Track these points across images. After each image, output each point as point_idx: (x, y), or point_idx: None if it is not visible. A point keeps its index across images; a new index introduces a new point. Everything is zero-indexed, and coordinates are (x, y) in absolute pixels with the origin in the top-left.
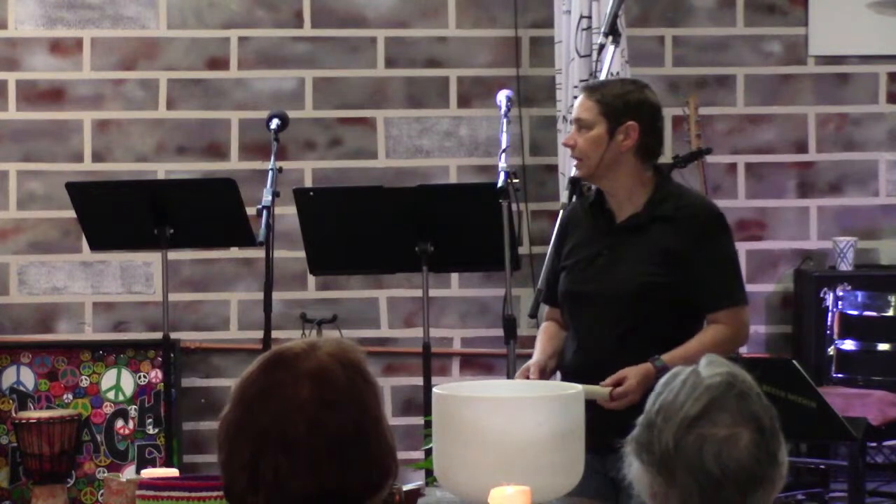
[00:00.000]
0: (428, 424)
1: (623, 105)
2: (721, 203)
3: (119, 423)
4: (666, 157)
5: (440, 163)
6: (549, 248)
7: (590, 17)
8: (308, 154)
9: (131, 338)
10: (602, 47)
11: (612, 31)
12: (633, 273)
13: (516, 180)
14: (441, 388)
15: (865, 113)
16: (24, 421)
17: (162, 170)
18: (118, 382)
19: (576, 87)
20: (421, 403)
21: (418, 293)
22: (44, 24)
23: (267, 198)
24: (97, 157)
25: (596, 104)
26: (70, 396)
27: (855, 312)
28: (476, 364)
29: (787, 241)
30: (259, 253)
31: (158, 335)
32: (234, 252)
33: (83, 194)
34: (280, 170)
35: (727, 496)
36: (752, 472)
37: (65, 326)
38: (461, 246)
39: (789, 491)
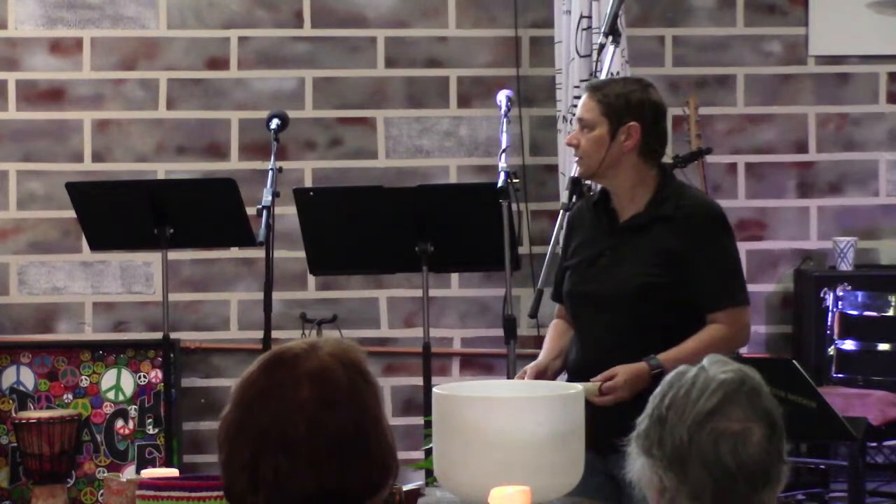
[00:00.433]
0: (428, 424)
1: (625, 105)
2: (721, 203)
3: (119, 423)
4: (666, 157)
5: (440, 163)
6: (550, 246)
7: (590, 17)
8: (308, 154)
9: (131, 338)
10: (602, 47)
11: (612, 31)
12: (634, 273)
13: (516, 180)
14: (441, 388)
15: (865, 113)
16: (24, 421)
17: (162, 170)
18: (118, 382)
19: (576, 87)
20: (421, 403)
21: (418, 293)
22: (44, 24)
23: (267, 198)
24: (97, 157)
25: (598, 104)
26: (70, 396)
27: (855, 312)
28: (476, 364)
29: (787, 241)
30: (259, 253)
31: (158, 335)
32: (234, 252)
33: (83, 194)
34: (280, 170)
35: (739, 491)
36: (763, 468)
37: (65, 326)
38: (461, 246)
39: (789, 491)
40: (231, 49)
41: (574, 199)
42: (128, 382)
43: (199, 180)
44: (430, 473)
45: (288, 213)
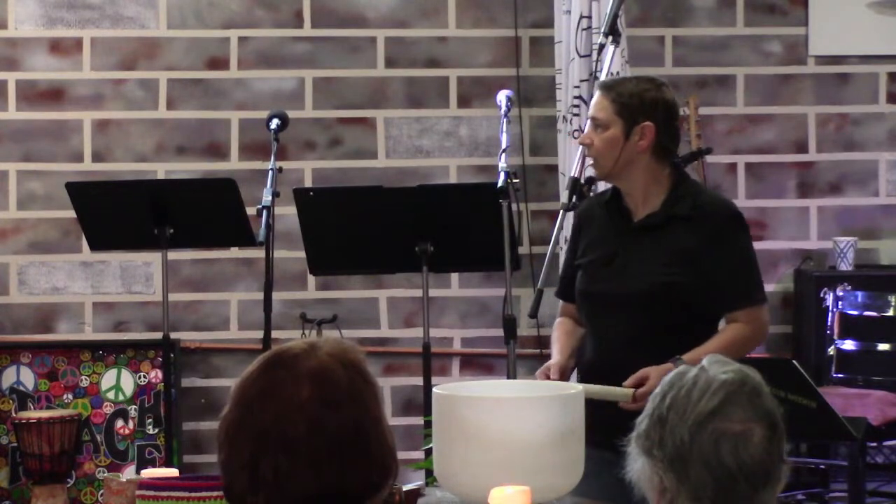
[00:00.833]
0: (428, 424)
1: (639, 104)
2: None
3: (119, 423)
4: None
5: (440, 163)
6: (550, 246)
7: (590, 17)
8: (308, 154)
9: (131, 338)
10: (602, 47)
11: (612, 31)
12: (650, 273)
13: (516, 180)
14: (441, 388)
15: (865, 113)
16: (24, 421)
17: (162, 170)
18: (118, 382)
19: (576, 87)
20: (421, 403)
21: (418, 293)
22: (44, 24)
23: (267, 198)
24: (97, 157)
25: (611, 103)
26: (70, 396)
27: (855, 312)
28: (476, 364)
29: (787, 241)
30: (259, 253)
31: (158, 335)
32: (234, 252)
33: (83, 194)
34: (280, 170)
35: (740, 491)
36: (764, 468)
37: (65, 326)
38: (461, 246)
39: (789, 491)
40: (231, 49)
41: (574, 199)
42: (128, 382)
43: (199, 180)
44: (430, 473)
45: (288, 213)
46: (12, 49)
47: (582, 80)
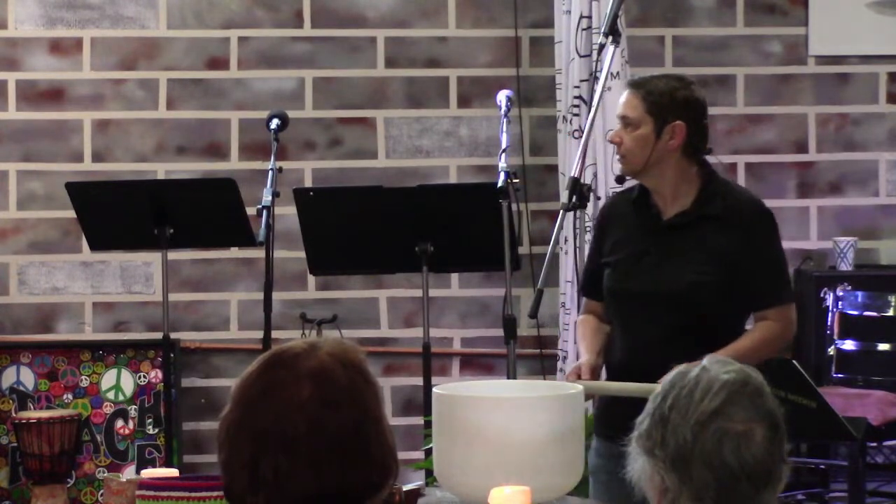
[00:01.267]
0: (428, 424)
1: (669, 103)
2: None
3: (119, 423)
4: None
5: (440, 163)
6: (550, 246)
7: (590, 17)
8: (308, 154)
9: (131, 338)
10: (602, 47)
11: (612, 31)
12: (683, 272)
13: (516, 180)
14: (441, 388)
15: (865, 113)
16: (24, 421)
17: (162, 170)
18: (118, 382)
19: (576, 87)
20: (421, 403)
21: (418, 293)
22: (44, 24)
23: (267, 198)
24: (97, 157)
25: (642, 102)
26: (70, 396)
27: (855, 312)
28: (476, 364)
29: (787, 241)
30: (259, 253)
31: (158, 335)
32: (234, 252)
33: (83, 194)
34: (280, 170)
35: (742, 490)
36: (766, 468)
37: (65, 326)
38: (461, 246)
39: (789, 491)
40: (231, 49)
41: (574, 199)
42: (128, 382)
43: (199, 180)
44: (430, 473)
45: (288, 213)
46: (12, 49)
47: (582, 80)
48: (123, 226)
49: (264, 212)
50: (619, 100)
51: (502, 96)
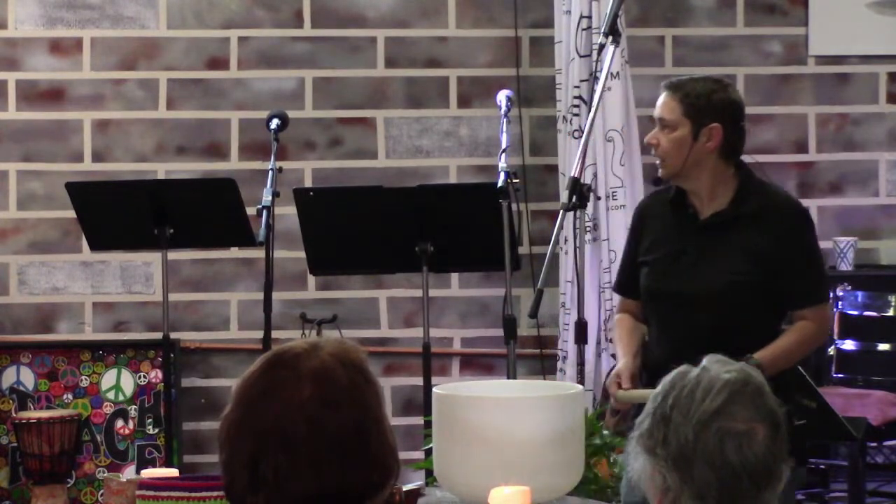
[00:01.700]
0: (428, 424)
1: (706, 105)
2: None
3: (119, 423)
4: None
5: (440, 163)
6: (550, 246)
7: (590, 17)
8: (308, 154)
9: (131, 338)
10: (602, 47)
11: (612, 31)
12: (723, 272)
13: (516, 180)
14: (441, 388)
15: (865, 113)
16: (24, 421)
17: (162, 170)
18: (118, 382)
19: (576, 87)
20: (421, 403)
21: (418, 293)
22: (44, 24)
23: (267, 198)
24: (97, 157)
25: (679, 104)
26: (70, 396)
27: (855, 312)
28: (476, 364)
29: None
30: (259, 253)
31: (158, 335)
32: (234, 252)
33: (83, 194)
34: (280, 170)
35: (744, 489)
36: (767, 467)
37: (65, 326)
38: (461, 246)
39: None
40: (231, 49)
41: (574, 199)
42: (128, 382)
43: (199, 180)
44: (430, 473)
45: (288, 213)
46: (12, 49)
47: (582, 80)
48: (123, 226)
49: (264, 212)
50: (657, 101)
51: (502, 96)
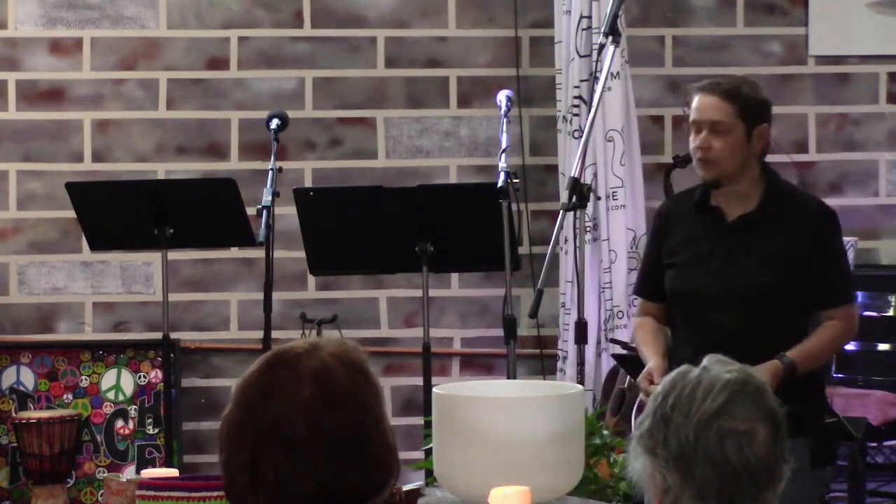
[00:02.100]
0: (428, 424)
1: (755, 106)
2: None
3: (119, 423)
4: (666, 157)
5: (440, 163)
6: (550, 246)
7: (590, 17)
8: (308, 154)
9: (131, 338)
10: (602, 47)
11: (612, 31)
12: (753, 273)
13: (516, 180)
14: (441, 388)
15: (865, 113)
16: (24, 421)
17: (162, 170)
18: (118, 382)
19: (576, 87)
20: (421, 403)
21: (418, 293)
22: (44, 24)
23: (267, 198)
24: (97, 157)
25: (732, 105)
26: (70, 396)
27: None
28: (476, 364)
29: None
30: (259, 253)
31: (158, 335)
32: (234, 252)
33: (83, 194)
34: (280, 170)
35: (745, 489)
36: (767, 466)
37: (65, 326)
38: (461, 246)
39: None
40: (231, 49)
41: (574, 199)
42: (128, 382)
43: (199, 180)
44: (430, 473)
45: (288, 213)
46: (12, 49)
47: (582, 80)
48: (123, 226)
49: (264, 212)
50: (693, 103)
51: (502, 96)
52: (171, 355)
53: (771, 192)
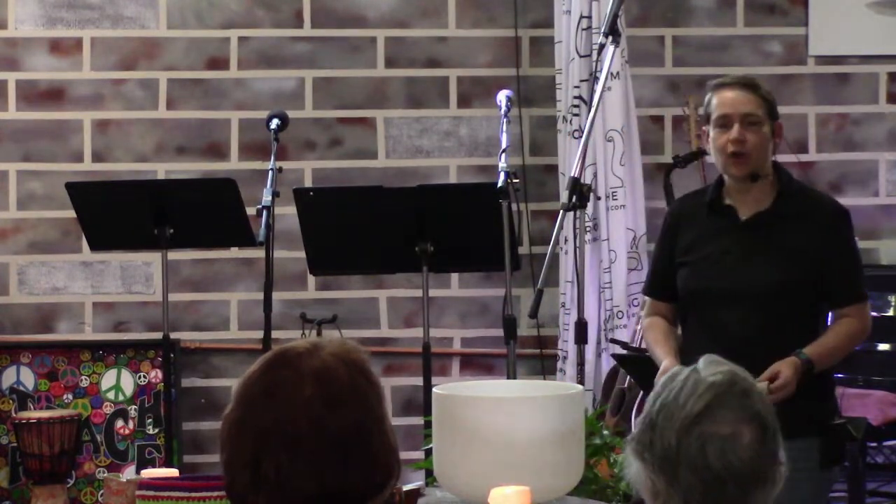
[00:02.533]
0: (428, 424)
1: (772, 102)
2: None
3: (119, 423)
4: (666, 157)
5: (440, 163)
6: (550, 246)
7: (590, 17)
8: (308, 154)
9: (131, 338)
10: (602, 47)
11: (612, 31)
12: (767, 271)
13: (516, 180)
14: (441, 388)
15: (865, 113)
16: (24, 421)
17: (162, 170)
18: (118, 382)
19: (576, 87)
20: (421, 403)
21: (418, 293)
22: (44, 24)
23: (267, 198)
24: (97, 157)
25: (762, 101)
26: (70, 396)
27: None
28: (476, 364)
29: None
30: (259, 253)
31: (158, 335)
32: (234, 252)
33: (83, 194)
34: (280, 170)
35: (730, 493)
36: (754, 470)
37: (65, 326)
38: (461, 246)
39: None
40: (231, 49)
41: (574, 199)
42: (128, 382)
43: (199, 180)
44: (430, 473)
45: (288, 213)
46: (12, 49)
47: (582, 80)
48: (123, 226)
49: (264, 212)
50: (716, 100)
51: (502, 96)
52: (171, 355)
53: (784, 191)
